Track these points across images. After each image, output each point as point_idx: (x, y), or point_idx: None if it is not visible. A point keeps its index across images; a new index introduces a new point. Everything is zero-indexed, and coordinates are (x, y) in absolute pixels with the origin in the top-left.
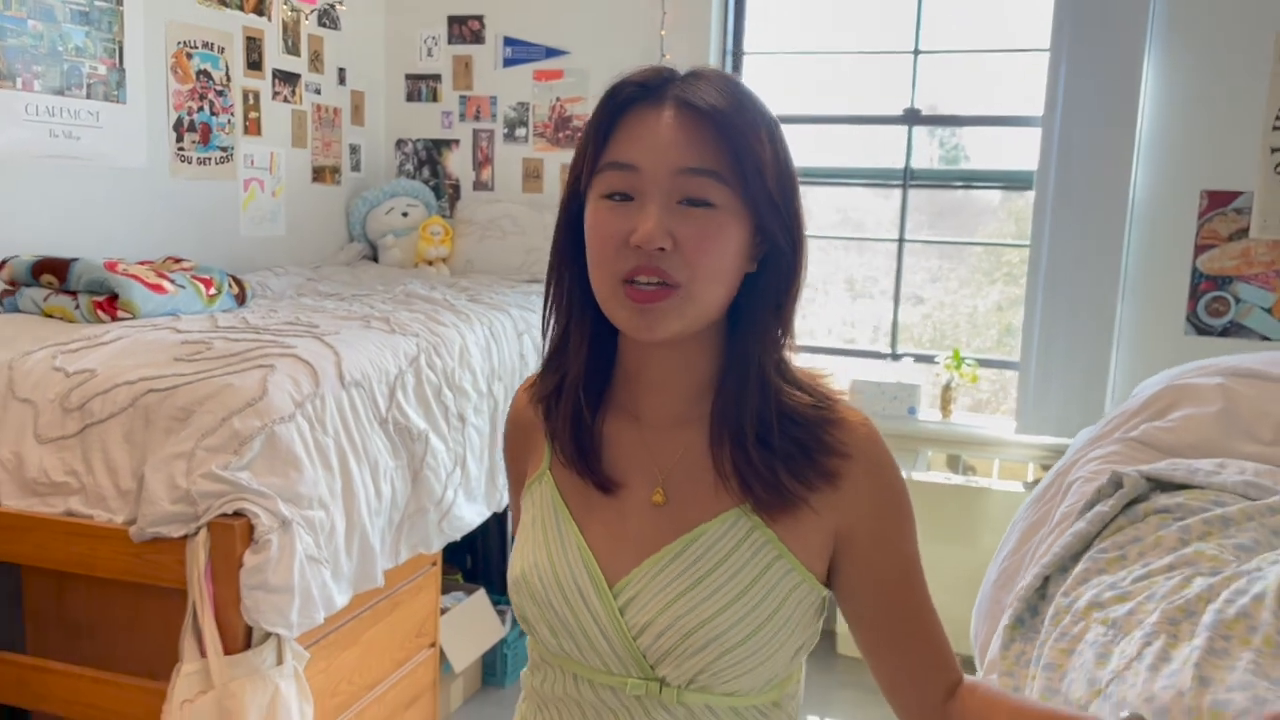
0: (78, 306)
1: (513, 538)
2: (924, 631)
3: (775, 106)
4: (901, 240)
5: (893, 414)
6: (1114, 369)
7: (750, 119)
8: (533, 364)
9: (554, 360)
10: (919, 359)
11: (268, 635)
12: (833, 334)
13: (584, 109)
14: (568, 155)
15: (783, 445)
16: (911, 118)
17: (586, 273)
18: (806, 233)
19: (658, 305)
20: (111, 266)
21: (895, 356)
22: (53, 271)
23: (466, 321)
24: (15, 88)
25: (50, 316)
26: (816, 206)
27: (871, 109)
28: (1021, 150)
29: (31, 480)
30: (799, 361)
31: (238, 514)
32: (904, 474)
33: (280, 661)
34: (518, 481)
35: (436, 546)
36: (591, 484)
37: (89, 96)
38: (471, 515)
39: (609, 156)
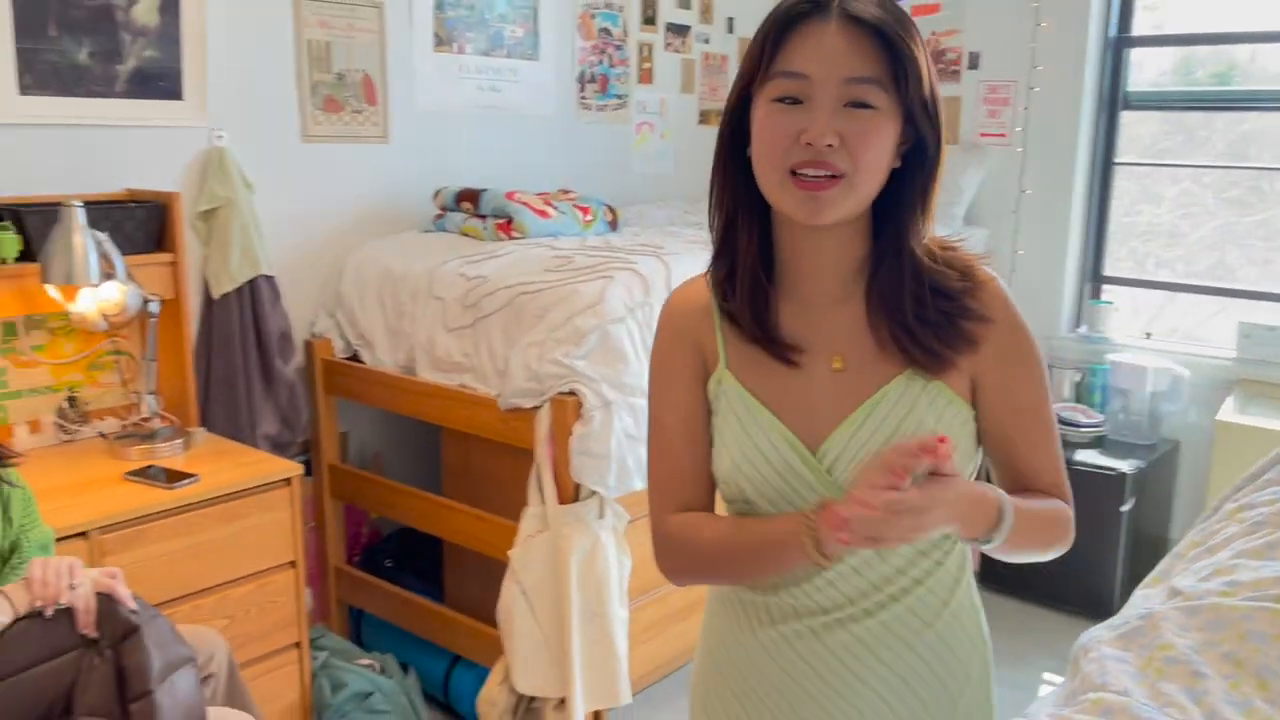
0: (486, 227)
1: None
2: (1032, 461)
3: (1183, 25)
4: None
5: None
6: None
7: (908, 30)
8: None
9: (723, 249)
10: None
11: (592, 493)
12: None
13: (958, 41)
14: (941, 89)
15: (935, 318)
16: None
17: (750, 167)
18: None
19: (825, 193)
20: (510, 195)
21: None
22: (469, 200)
23: None
24: (453, 52)
25: (466, 235)
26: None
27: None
28: None
29: (440, 359)
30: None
31: (572, 393)
32: None
33: (602, 516)
34: (678, 373)
35: None
36: (773, 356)
37: (509, 56)
38: None
39: (781, 66)
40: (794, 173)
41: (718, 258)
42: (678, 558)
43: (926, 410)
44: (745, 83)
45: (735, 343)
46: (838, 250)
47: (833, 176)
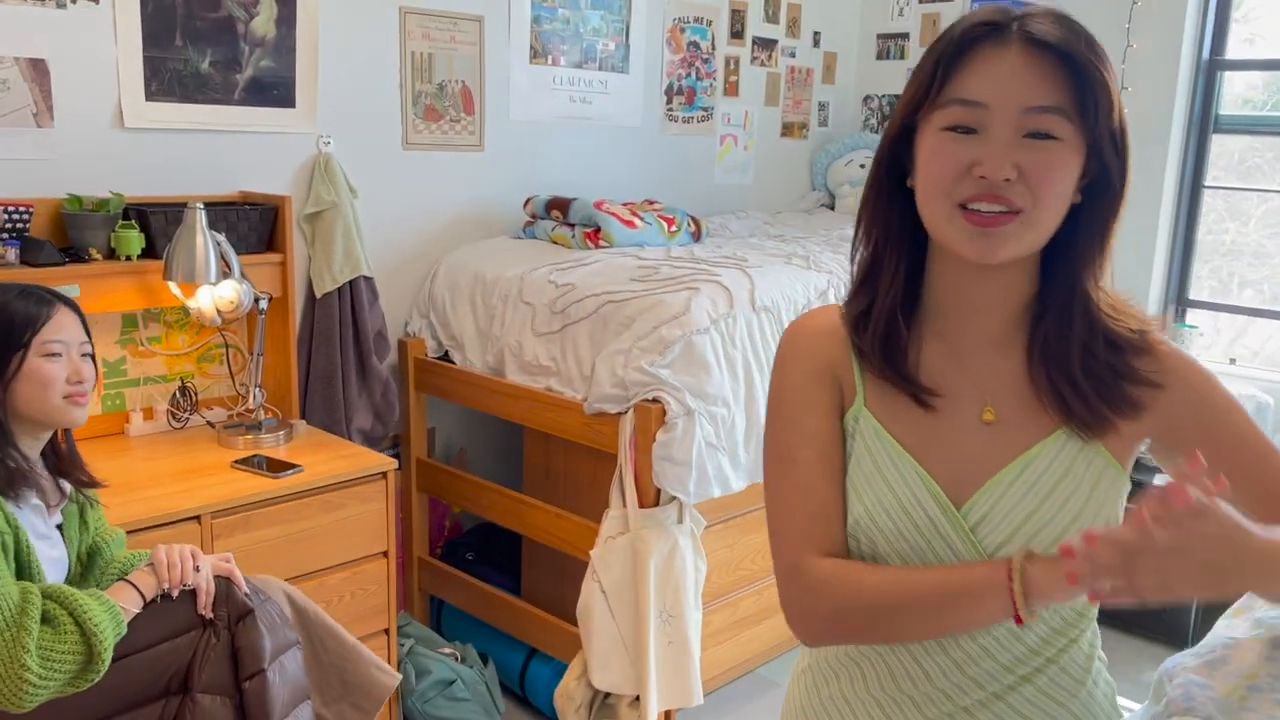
0: (574, 235)
1: None
2: (1262, 473)
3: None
4: None
5: None
6: None
7: (1097, 54)
8: None
9: (864, 284)
10: None
11: (672, 498)
12: None
13: None
14: None
15: (1103, 372)
16: None
17: (907, 199)
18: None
19: (1000, 229)
20: (599, 205)
21: None
22: (559, 208)
23: None
24: (547, 64)
25: (555, 243)
26: None
27: None
28: None
29: (527, 362)
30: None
31: (655, 400)
32: None
33: (681, 521)
34: (813, 403)
35: None
36: (909, 396)
37: (600, 68)
38: None
39: (955, 93)
40: (964, 207)
41: (857, 293)
42: (829, 608)
43: (1085, 473)
44: (911, 109)
45: (874, 378)
46: (1003, 291)
47: (1009, 212)
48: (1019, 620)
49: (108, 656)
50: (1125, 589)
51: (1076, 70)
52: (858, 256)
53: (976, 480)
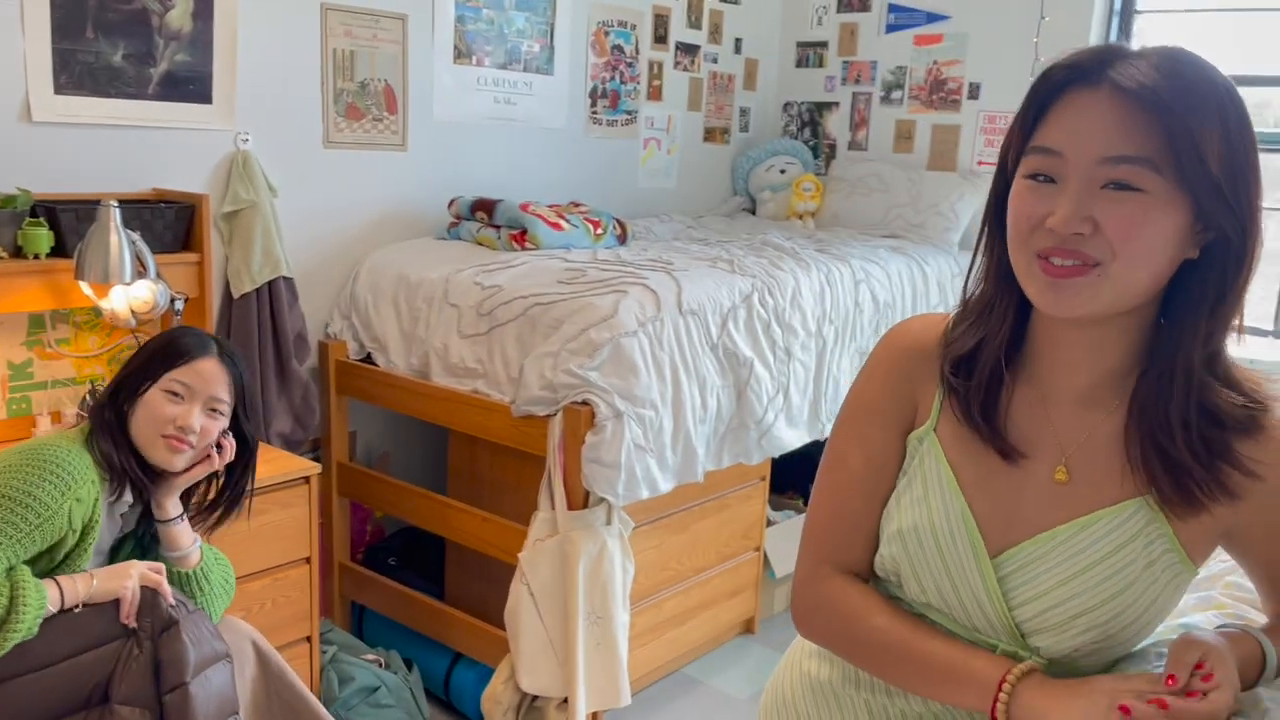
0: (499, 237)
1: None
2: None
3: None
4: None
5: None
6: None
7: (1194, 101)
8: (869, 313)
9: (977, 322)
10: None
11: (601, 500)
12: None
13: (960, 72)
14: (941, 117)
15: (1198, 449)
16: None
17: None
18: (1263, 222)
19: (1071, 281)
20: (525, 207)
21: None
22: (485, 210)
23: (805, 268)
24: (471, 64)
25: (480, 244)
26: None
27: None
28: None
29: (453, 365)
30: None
31: (585, 403)
32: None
33: (609, 523)
34: (879, 413)
35: (756, 459)
36: (994, 450)
37: (525, 70)
38: (791, 438)
39: (1036, 140)
40: (1042, 257)
41: (966, 329)
42: (827, 628)
43: (1139, 553)
44: (1004, 153)
45: (955, 412)
46: (1097, 348)
47: (1084, 265)
48: None
49: (11, 641)
50: None
51: (1166, 118)
52: (978, 291)
53: (1024, 532)
